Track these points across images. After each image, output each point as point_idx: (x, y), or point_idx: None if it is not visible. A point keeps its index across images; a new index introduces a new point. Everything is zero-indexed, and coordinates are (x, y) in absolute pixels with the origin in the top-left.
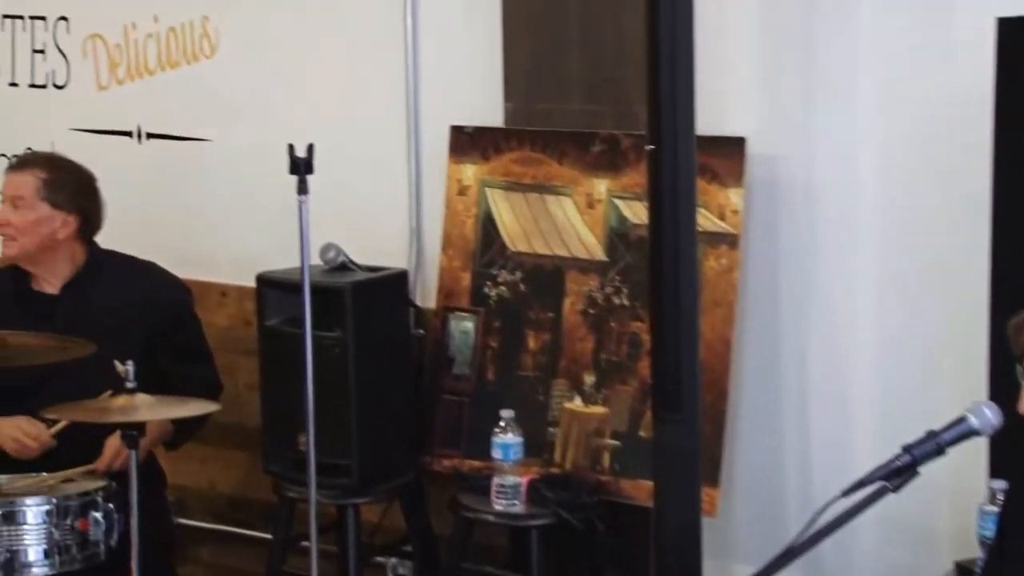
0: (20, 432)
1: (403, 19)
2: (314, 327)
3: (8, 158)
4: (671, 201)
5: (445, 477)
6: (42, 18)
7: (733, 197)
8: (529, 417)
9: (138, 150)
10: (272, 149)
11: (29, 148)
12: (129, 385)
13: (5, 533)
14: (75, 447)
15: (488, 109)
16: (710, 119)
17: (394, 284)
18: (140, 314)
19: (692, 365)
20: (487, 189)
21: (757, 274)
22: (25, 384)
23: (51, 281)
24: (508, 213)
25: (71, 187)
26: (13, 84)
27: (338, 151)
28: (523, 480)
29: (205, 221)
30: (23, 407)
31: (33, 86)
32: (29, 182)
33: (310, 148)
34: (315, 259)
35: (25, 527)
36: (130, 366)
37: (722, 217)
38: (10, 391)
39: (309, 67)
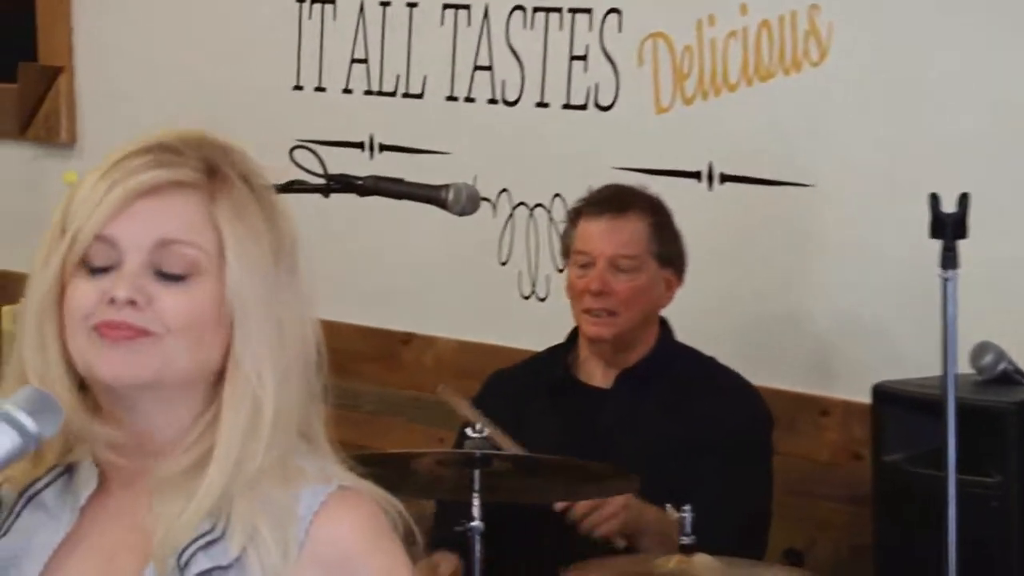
0: None
1: None
2: (960, 467)
3: (529, 209)
4: None
5: None
6: (586, 11)
7: None
8: None
9: (708, 198)
10: (898, 197)
11: (558, 195)
12: (685, 541)
13: None
14: None
15: None
16: None
17: None
18: (697, 437)
19: None
20: None
21: None
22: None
23: (605, 370)
24: None
25: (674, 231)
26: (542, 104)
27: (996, 206)
28: None
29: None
30: (518, 544)
31: (568, 107)
32: (639, 232)
33: (964, 200)
34: (963, 365)
35: None
36: (687, 514)
37: None
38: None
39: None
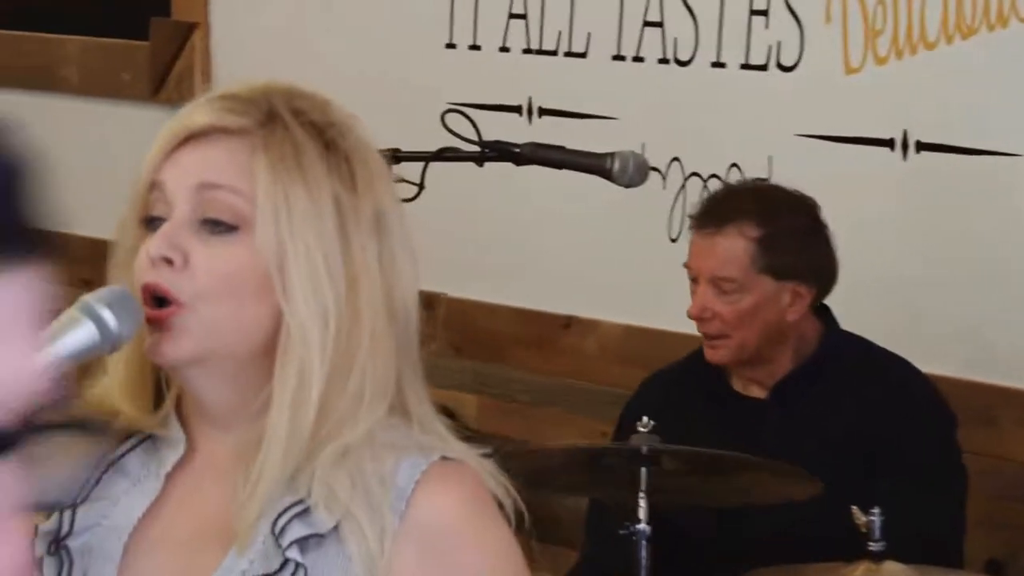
0: None
1: None
2: None
3: (703, 180)
4: None
5: None
6: None
7: None
8: None
9: (901, 168)
10: None
11: (734, 165)
12: (874, 547)
13: None
14: None
15: None
16: None
17: None
18: (874, 437)
19: None
20: None
21: None
22: (701, 525)
23: (762, 380)
24: None
25: (796, 239)
26: (718, 64)
27: None
28: None
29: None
30: (686, 549)
31: (746, 67)
32: (737, 250)
33: None
34: None
35: None
36: (876, 517)
37: None
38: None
39: None
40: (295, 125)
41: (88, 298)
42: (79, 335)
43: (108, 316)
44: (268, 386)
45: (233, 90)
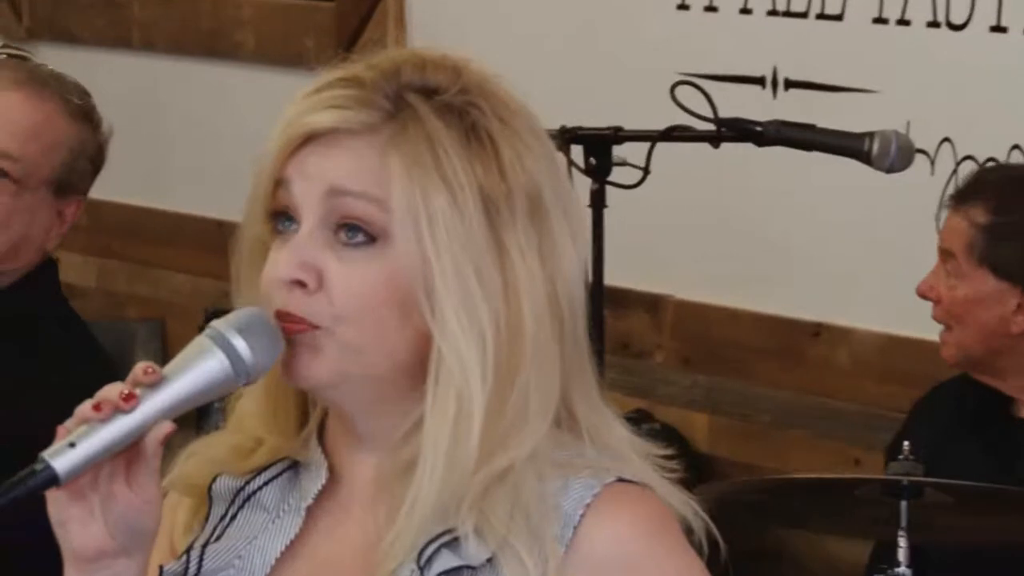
0: None
1: None
2: None
3: (978, 166)
4: None
5: None
6: None
7: None
8: None
9: None
10: None
11: (1016, 147)
12: None
13: None
14: None
15: None
16: None
17: None
18: None
19: None
20: None
21: None
22: None
23: None
24: None
25: None
26: (998, 28)
27: None
28: None
29: None
30: None
31: None
32: (961, 231)
33: None
34: None
35: None
36: None
37: None
38: None
39: None
40: (428, 113)
41: (218, 324)
42: (208, 368)
43: (241, 345)
44: (417, 408)
45: (356, 71)
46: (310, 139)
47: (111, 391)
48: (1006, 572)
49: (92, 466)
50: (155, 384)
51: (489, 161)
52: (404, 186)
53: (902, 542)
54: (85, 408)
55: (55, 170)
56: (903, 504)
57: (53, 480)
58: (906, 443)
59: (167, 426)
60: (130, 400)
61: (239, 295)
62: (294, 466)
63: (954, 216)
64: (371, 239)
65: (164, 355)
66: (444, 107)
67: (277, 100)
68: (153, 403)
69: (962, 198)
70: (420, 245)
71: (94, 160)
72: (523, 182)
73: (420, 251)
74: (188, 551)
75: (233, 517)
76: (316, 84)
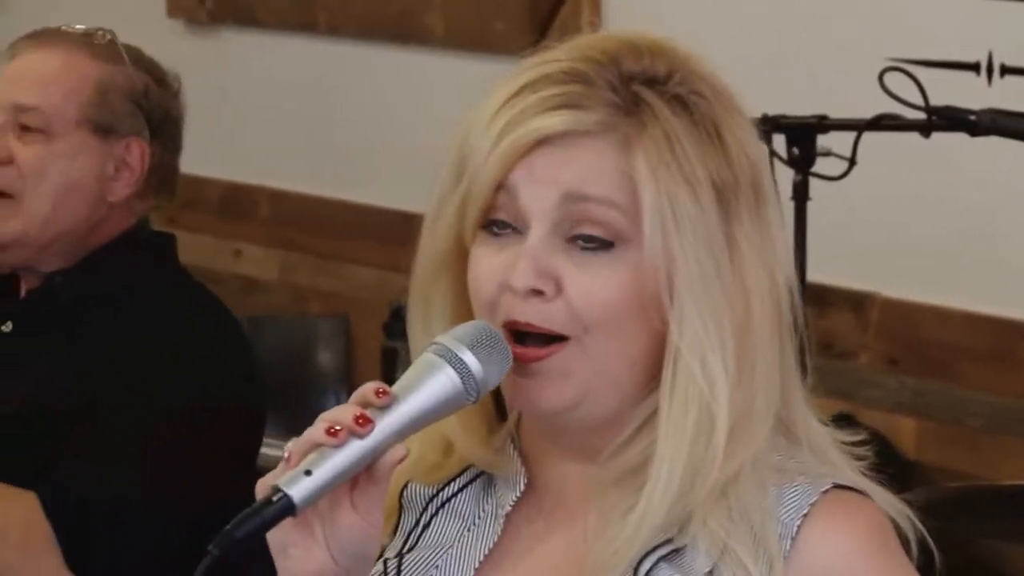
0: None
1: None
2: None
3: None
4: None
5: None
6: None
7: None
8: None
9: None
10: None
11: None
12: None
13: None
14: None
15: None
16: None
17: None
18: None
19: None
20: None
21: None
22: None
23: None
24: None
25: None
26: None
27: None
28: None
29: None
30: None
31: None
32: None
33: None
34: None
35: None
36: None
37: None
38: None
39: None
40: (661, 105)
41: (444, 339)
42: (438, 385)
43: (471, 360)
44: (638, 415)
45: (578, 66)
46: (537, 144)
47: (343, 414)
48: None
49: (325, 493)
50: (387, 406)
51: (718, 153)
52: (650, 188)
53: None
54: (316, 433)
55: (83, 109)
56: None
57: (290, 510)
58: None
59: (401, 450)
60: (366, 424)
61: (419, 295)
62: (486, 473)
63: None
64: (608, 243)
65: (349, 353)
66: (673, 99)
67: (467, 87)
68: (386, 425)
69: None
70: (666, 246)
71: (135, 99)
72: (748, 172)
73: (666, 252)
74: (384, 560)
75: (426, 525)
76: (524, 78)
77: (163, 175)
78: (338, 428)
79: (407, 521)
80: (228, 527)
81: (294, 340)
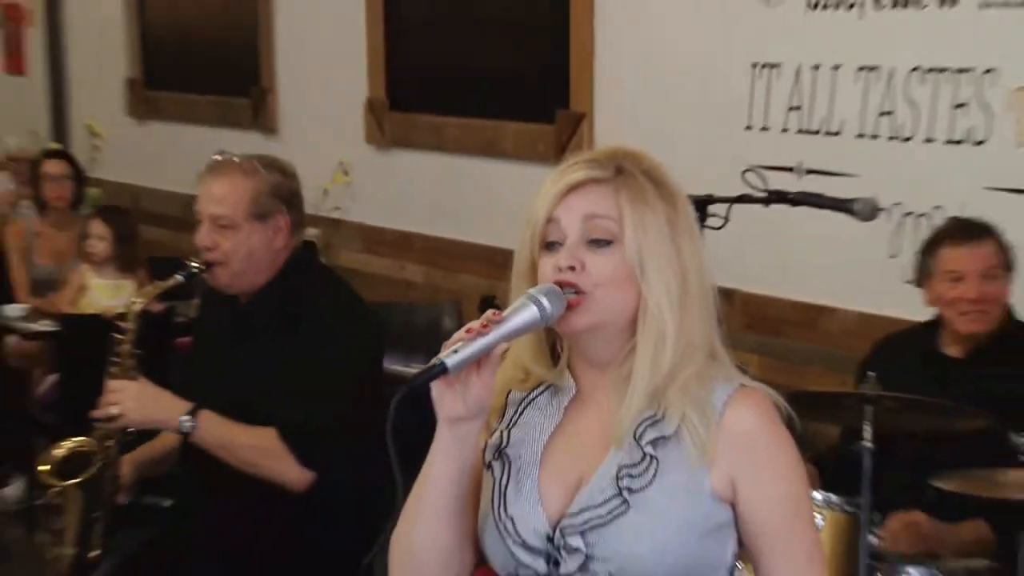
0: None
1: None
2: None
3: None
4: None
5: None
6: (968, 70)
7: None
8: None
9: None
10: None
11: (938, 206)
12: None
13: None
14: None
15: None
16: None
17: None
18: None
19: None
20: None
21: None
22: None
23: (956, 345)
24: None
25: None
26: (929, 140)
27: None
28: None
29: None
30: (890, 460)
31: (950, 142)
32: (994, 251)
33: None
34: None
35: None
36: None
37: None
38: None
39: None
40: (638, 174)
41: (532, 291)
42: (528, 314)
43: (546, 302)
44: (631, 341)
45: (593, 155)
46: (570, 190)
47: (476, 324)
48: (924, 448)
49: (465, 364)
50: (499, 322)
51: (668, 202)
52: (630, 212)
53: (867, 429)
54: (461, 332)
55: (248, 209)
56: (868, 407)
57: (444, 371)
58: (871, 372)
59: (504, 346)
60: (487, 328)
61: (515, 285)
62: (553, 385)
63: (984, 245)
64: (609, 242)
65: (459, 323)
66: (643, 172)
67: (524, 181)
68: (498, 331)
69: (981, 235)
70: (638, 244)
71: (279, 194)
72: (684, 214)
73: (638, 247)
74: (500, 431)
75: (520, 414)
76: (562, 167)
77: (298, 223)
78: (472, 329)
79: (509, 412)
80: (411, 379)
81: (430, 319)
